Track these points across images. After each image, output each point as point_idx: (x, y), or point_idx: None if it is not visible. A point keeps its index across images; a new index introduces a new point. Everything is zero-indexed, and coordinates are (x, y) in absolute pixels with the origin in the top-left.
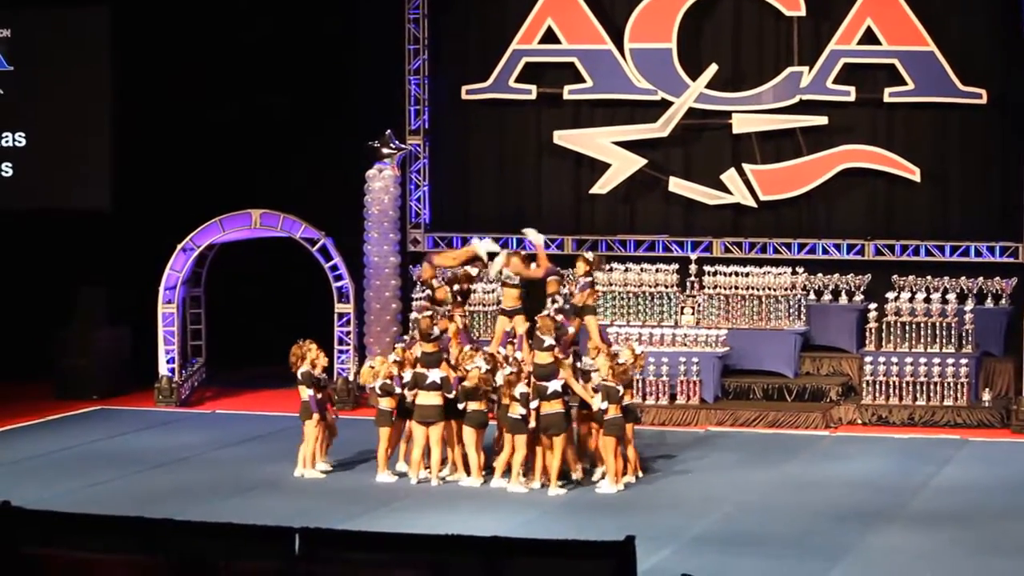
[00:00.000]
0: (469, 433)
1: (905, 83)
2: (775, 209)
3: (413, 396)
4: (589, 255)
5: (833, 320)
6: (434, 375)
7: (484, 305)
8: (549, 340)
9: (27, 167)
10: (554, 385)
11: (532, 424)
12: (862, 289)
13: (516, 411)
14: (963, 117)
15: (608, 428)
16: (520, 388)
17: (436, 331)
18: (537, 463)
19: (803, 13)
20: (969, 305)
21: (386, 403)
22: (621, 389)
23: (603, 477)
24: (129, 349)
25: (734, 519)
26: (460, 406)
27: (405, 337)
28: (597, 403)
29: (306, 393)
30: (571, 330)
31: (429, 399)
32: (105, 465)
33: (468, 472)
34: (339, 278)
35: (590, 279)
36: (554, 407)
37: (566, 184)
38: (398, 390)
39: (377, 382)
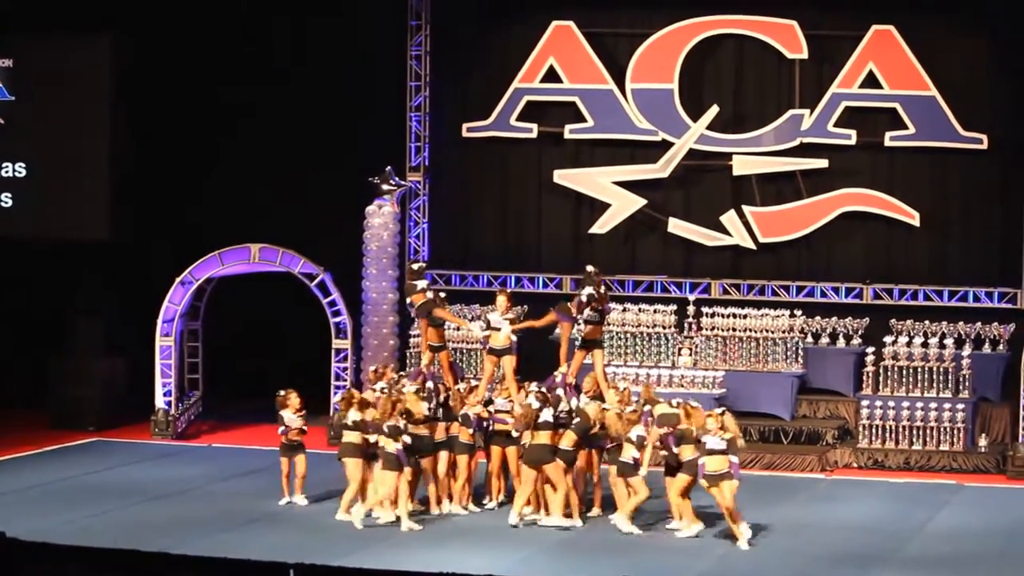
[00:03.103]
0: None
1: (906, 127)
2: (774, 251)
3: (376, 442)
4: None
5: (831, 363)
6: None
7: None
8: None
9: (27, 197)
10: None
11: (643, 471)
12: (860, 333)
13: (628, 454)
14: (963, 162)
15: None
16: (637, 430)
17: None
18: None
19: (805, 56)
20: (967, 350)
21: (393, 446)
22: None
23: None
24: (126, 381)
25: (729, 562)
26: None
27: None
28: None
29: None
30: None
31: (390, 445)
32: (101, 497)
33: (451, 500)
34: (337, 314)
35: (598, 312)
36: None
37: (565, 223)
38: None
39: (388, 422)
